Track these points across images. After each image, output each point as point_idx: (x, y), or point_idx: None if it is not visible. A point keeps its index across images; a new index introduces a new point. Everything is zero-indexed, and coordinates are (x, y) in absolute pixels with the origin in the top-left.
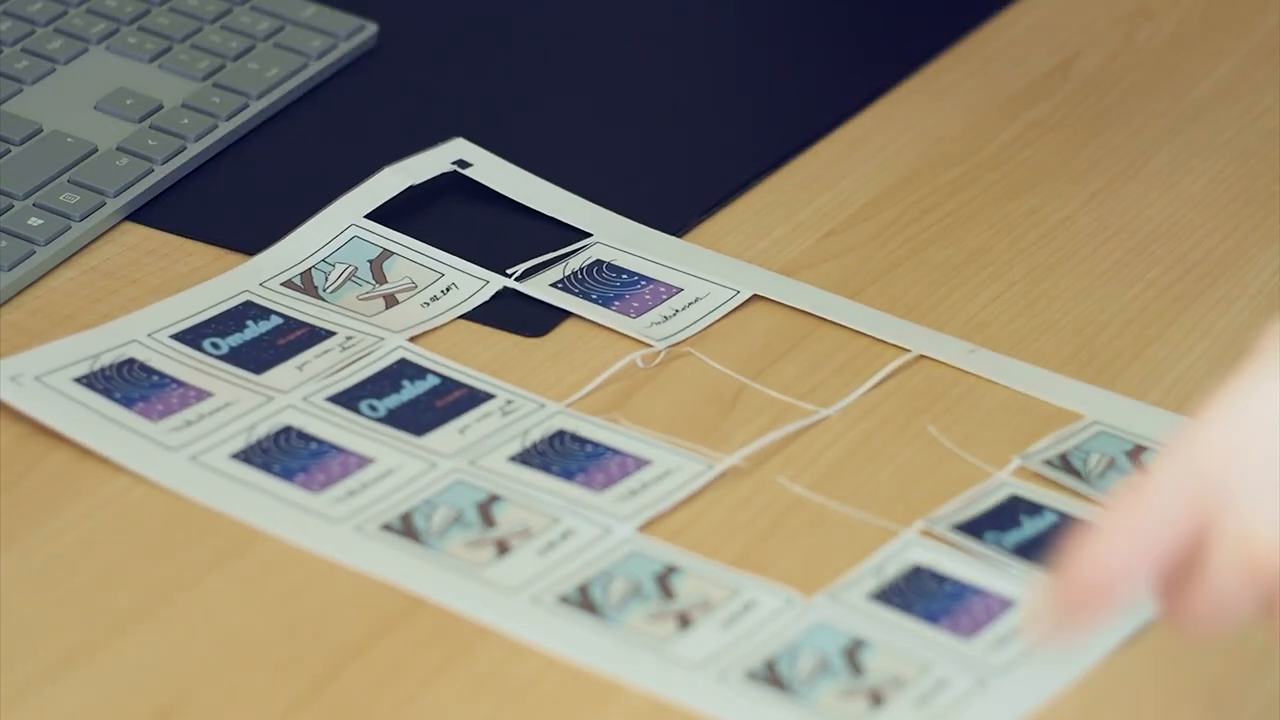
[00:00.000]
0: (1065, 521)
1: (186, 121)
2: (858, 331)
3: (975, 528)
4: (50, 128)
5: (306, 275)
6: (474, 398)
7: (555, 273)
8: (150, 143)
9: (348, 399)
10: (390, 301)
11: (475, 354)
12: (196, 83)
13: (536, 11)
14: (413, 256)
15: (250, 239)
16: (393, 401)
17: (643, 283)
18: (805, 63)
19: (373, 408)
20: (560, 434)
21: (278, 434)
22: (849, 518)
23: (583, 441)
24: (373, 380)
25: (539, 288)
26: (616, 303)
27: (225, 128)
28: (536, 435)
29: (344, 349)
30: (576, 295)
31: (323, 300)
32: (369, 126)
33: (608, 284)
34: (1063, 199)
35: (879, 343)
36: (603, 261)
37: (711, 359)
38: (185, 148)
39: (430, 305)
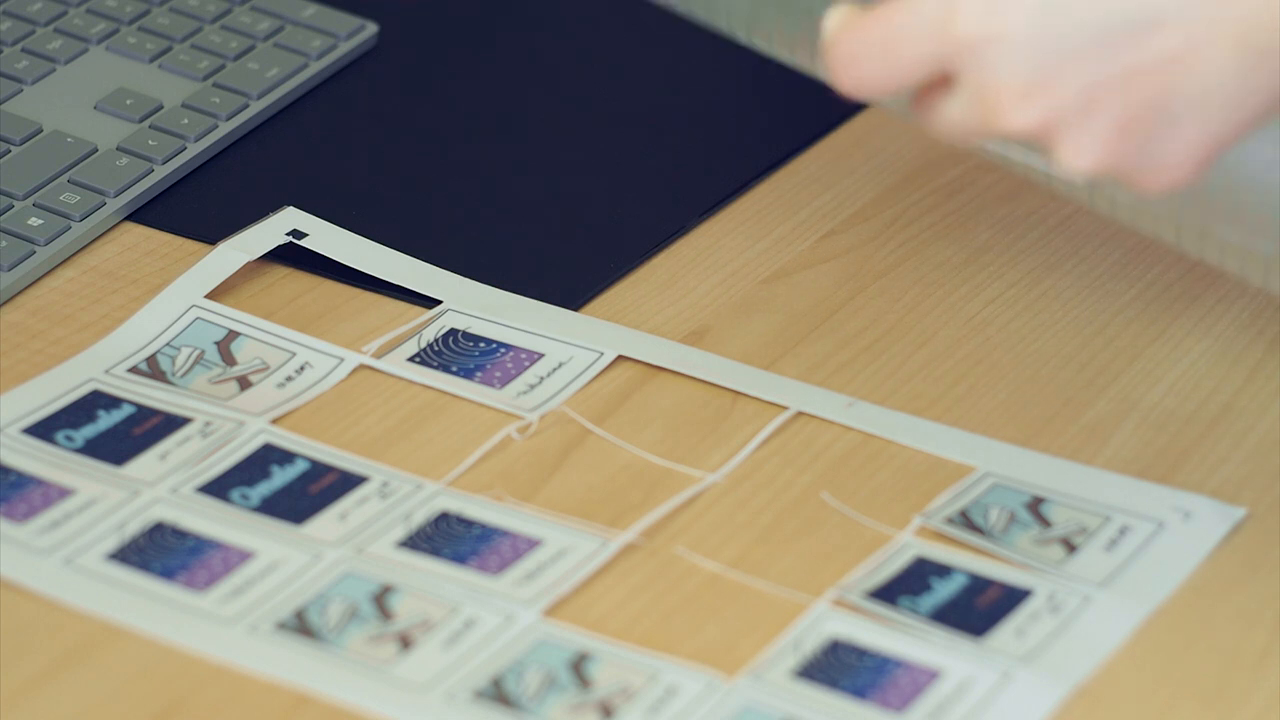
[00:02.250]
0: (976, 582)
1: (186, 121)
2: (731, 390)
3: (888, 594)
4: (50, 128)
5: (152, 360)
6: (348, 481)
7: (411, 346)
8: (150, 143)
9: (217, 489)
10: (244, 384)
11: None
12: (196, 83)
13: (536, 13)
14: (260, 336)
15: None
16: (265, 489)
17: (502, 350)
18: None
19: (245, 497)
20: (444, 516)
21: (150, 530)
22: (756, 589)
23: (468, 523)
24: (240, 467)
25: (396, 363)
26: (479, 374)
27: (225, 128)
28: (420, 518)
29: (205, 435)
30: (436, 368)
31: (173, 385)
32: (369, 126)
33: (466, 354)
34: (1063, 199)
35: (753, 400)
36: (458, 330)
37: (585, 425)
38: (185, 148)
39: (286, 386)
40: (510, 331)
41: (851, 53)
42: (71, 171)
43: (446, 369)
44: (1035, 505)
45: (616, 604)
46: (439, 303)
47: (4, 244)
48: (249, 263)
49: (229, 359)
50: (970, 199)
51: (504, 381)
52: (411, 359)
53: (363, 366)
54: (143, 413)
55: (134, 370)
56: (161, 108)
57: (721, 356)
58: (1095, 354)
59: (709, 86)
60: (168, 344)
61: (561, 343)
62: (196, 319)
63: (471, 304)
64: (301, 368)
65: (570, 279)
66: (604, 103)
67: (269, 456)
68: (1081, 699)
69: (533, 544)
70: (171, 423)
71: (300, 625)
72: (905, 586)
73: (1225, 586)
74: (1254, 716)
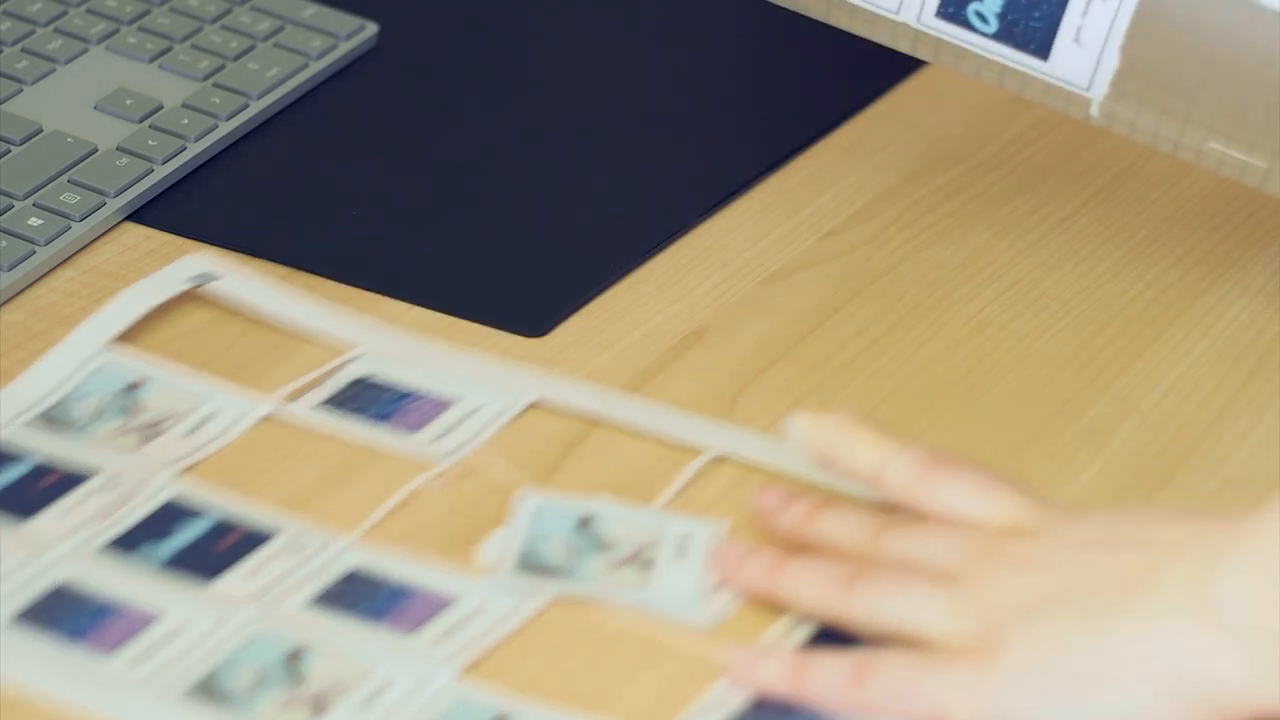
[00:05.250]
0: None
1: (186, 121)
2: (656, 436)
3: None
4: (50, 128)
5: (55, 410)
6: (257, 536)
7: (321, 392)
8: (150, 143)
9: (124, 546)
10: (150, 434)
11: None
12: (196, 83)
13: (536, 13)
14: (166, 383)
15: (250, 239)
16: (172, 546)
17: (414, 396)
18: (805, 63)
19: (151, 554)
20: (355, 572)
21: (56, 590)
22: (680, 645)
23: (379, 581)
24: (147, 523)
25: (306, 410)
26: (391, 420)
27: (225, 128)
28: (331, 574)
29: (110, 490)
30: (347, 415)
31: (76, 436)
32: (369, 126)
33: (378, 401)
34: (1063, 199)
35: (679, 446)
36: (369, 376)
37: (500, 472)
38: (185, 148)
39: (193, 435)
40: (423, 377)
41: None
42: (71, 171)
43: (358, 416)
44: None
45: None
46: (351, 348)
47: (4, 244)
48: (155, 307)
49: (134, 408)
50: (970, 199)
51: (416, 428)
52: (321, 405)
53: (272, 414)
54: (45, 467)
55: (35, 421)
56: (161, 108)
57: (645, 400)
58: (1095, 354)
59: (708, 86)
60: (70, 393)
61: (475, 388)
62: (100, 366)
63: (383, 349)
64: (209, 416)
65: (570, 279)
66: (604, 102)
67: (176, 511)
68: None
69: (448, 601)
70: (75, 477)
71: (211, 690)
72: (833, 639)
73: None
74: (1254, 716)
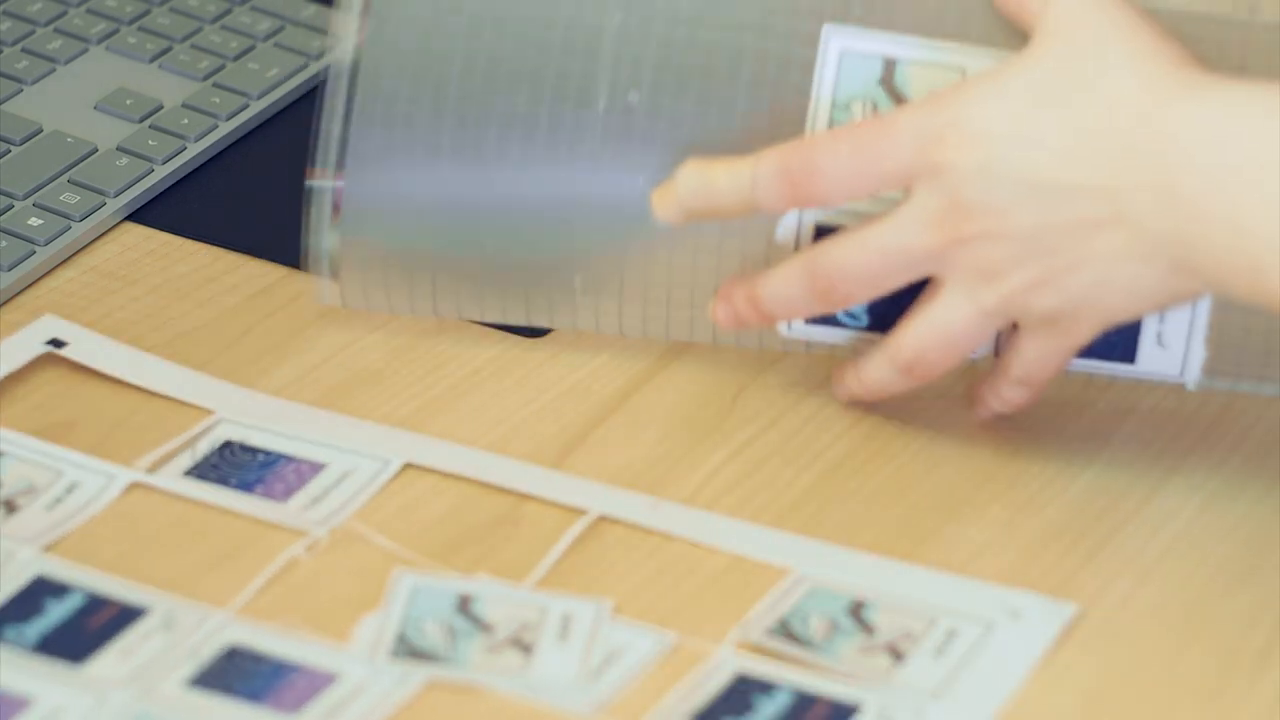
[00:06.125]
0: (801, 700)
1: (186, 121)
2: (525, 495)
3: (708, 718)
4: (50, 128)
5: None
6: (129, 613)
7: (186, 459)
8: (150, 143)
9: None
10: (9, 508)
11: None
12: (196, 83)
13: None
14: (24, 455)
15: (250, 239)
16: (40, 626)
17: (281, 461)
18: None
19: (18, 636)
20: (234, 649)
21: None
22: None
23: (259, 657)
24: (12, 604)
25: (172, 478)
26: (259, 486)
27: (225, 128)
28: (209, 652)
29: None
30: (214, 483)
31: None
32: None
33: (244, 467)
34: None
35: (549, 504)
36: (233, 442)
37: (379, 542)
38: (185, 148)
39: (55, 509)
40: (289, 441)
41: (808, 159)
42: (71, 171)
43: (225, 483)
44: (857, 610)
45: None
46: (208, 414)
47: (4, 244)
48: (8, 374)
49: None
50: None
51: (286, 494)
52: (188, 473)
53: (136, 484)
54: None
55: None
56: (161, 108)
57: (512, 459)
58: None
59: None
60: None
61: (345, 452)
62: None
63: (246, 413)
64: (71, 487)
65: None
66: None
67: (42, 589)
68: (1082, 699)
69: (330, 678)
70: None
71: None
72: (727, 708)
73: (1225, 586)
74: (1254, 716)
